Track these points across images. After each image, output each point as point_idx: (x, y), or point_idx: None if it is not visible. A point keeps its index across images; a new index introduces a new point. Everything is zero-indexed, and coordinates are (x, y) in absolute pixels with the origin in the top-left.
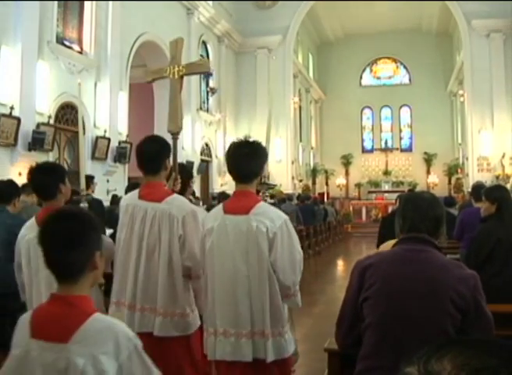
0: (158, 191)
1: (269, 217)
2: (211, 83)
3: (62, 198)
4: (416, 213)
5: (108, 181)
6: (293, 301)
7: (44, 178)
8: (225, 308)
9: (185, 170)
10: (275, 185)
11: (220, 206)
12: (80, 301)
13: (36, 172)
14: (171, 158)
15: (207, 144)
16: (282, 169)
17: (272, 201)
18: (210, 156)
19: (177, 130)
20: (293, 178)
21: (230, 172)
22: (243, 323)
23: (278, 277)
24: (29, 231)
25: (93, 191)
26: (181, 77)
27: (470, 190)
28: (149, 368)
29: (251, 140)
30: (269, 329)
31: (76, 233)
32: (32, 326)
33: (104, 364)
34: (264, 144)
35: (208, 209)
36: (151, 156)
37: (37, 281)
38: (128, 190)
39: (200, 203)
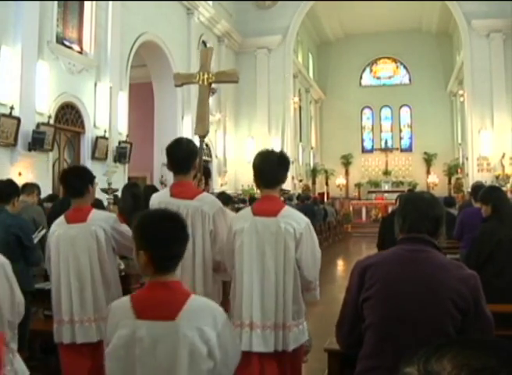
0: (189, 189)
1: (295, 219)
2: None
3: (89, 197)
4: (416, 213)
5: (108, 181)
6: (313, 294)
7: (76, 180)
8: (253, 301)
9: (205, 170)
10: (288, 191)
11: (248, 209)
12: (178, 285)
13: (68, 174)
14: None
15: (207, 144)
16: None
17: None
18: (210, 156)
19: (204, 133)
20: (293, 178)
21: (257, 178)
22: (269, 315)
23: (302, 273)
24: (58, 228)
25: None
26: (209, 84)
27: (470, 190)
28: (235, 335)
29: (278, 150)
30: (290, 321)
31: (178, 231)
32: (135, 309)
33: (208, 334)
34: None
35: None
36: (183, 157)
37: (65, 272)
38: (125, 189)
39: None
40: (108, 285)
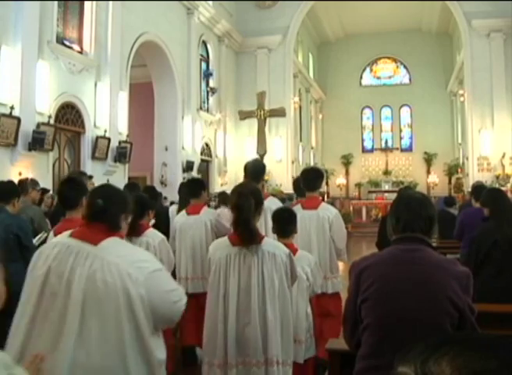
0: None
1: (329, 210)
2: (212, 83)
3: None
4: (409, 213)
5: (108, 181)
6: (343, 258)
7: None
8: (313, 254)
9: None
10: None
11: (299, 205)
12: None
13: (62, 185)
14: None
15: (207, 144)
16: (282, 169)
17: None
18: (210, 156)
19: (264, 152)
20: (293, 178)
21: (304, 186)
22: (321, 267)
23: (335, 244)
24: (180, 218)
25: None
26: (265, 119)
27: (470, 190)
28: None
29: (317, 167)
30: (329, 274)
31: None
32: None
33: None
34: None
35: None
36: (257, 171)
37: (184, 246)
38: (63, 185)
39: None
40: None
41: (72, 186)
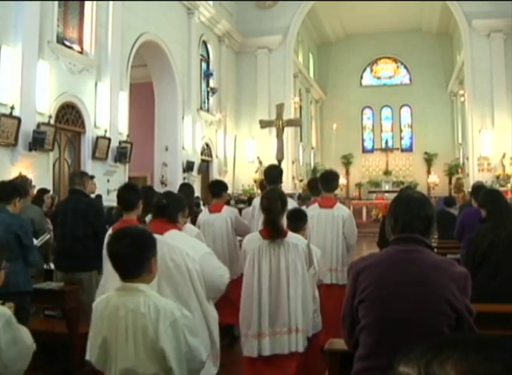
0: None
1: (343, 210)
2: (212, 83)
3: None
4: (408, 214)
5: (108, 181)
6: (351, 252)
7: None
8: (326, 250)
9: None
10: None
11: (316, 204)
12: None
13: (122, 190)
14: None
15: (207, 144)
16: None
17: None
18: (210, 156)
19: (282, 158)
20: (293, 178)
21: (321, 187)
22: (333, 262)
23: (346, 240)
24: (203, 216)
25: (93, 191)
26: (283, 128)
27: (470, 190)
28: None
29: (334, 171)
30: (341, 266)
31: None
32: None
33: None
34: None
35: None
36: (275, 176)
37: (208, 240)
38: (123, 189)
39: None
40: (232, 246)
41: (130, 191)
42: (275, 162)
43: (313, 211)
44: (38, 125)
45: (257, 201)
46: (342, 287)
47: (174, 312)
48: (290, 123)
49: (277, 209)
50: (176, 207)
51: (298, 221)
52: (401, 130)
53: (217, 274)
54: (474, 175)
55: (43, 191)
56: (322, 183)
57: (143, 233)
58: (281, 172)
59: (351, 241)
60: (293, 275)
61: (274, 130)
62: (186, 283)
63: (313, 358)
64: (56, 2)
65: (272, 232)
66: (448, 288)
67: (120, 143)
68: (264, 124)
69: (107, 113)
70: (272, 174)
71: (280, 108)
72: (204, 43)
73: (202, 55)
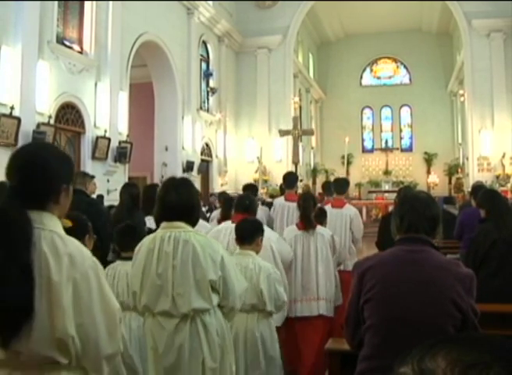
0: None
1: (351, 210)
2: (212, 83)
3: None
4: (414, 213)
5: (108, 181)
6: (358, 246)
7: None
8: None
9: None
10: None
11: (329, 205)
12: None
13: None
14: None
15: (207, 144)
16: (282, 169)
17: (271, 200)
18: (210, 156)
19: (298, 161)
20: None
21: (334, 190)
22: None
23: (353, 235)
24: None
25: (93, 192)
26: (299, 136)
27: (470, 190)
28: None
29: (345, 177)
30: (348, 255)
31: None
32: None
33: None
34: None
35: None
36: (292, 181)
37: None
38: (123, 189)
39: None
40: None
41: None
42: (275, 161)
43: (326, 210)
44: (38, 125)
45: (277, 202)
46: (347, 273)
47: (269, 269)
48: (305, 132)
49: (310, 207)
50: (255, 205)
51: (323, 218)
52: (401, 130)
53: (286, 251)
54: (474, 175)
55: None
56: (335, 187)
57: None
58: (297, 177)
59: (358, 236)
60: (320, 257)
61: (274, 130)
62: (268, 256)
63: (337, 324)
64: (56, 2)
65: (306, 224)
66: (454, 289)
67: (120, 143)
68: (282, 133)
69: (107, 113)
70: (290, 179)
71: (296, 120)
72: (204, 43)
73: (202, 55)
